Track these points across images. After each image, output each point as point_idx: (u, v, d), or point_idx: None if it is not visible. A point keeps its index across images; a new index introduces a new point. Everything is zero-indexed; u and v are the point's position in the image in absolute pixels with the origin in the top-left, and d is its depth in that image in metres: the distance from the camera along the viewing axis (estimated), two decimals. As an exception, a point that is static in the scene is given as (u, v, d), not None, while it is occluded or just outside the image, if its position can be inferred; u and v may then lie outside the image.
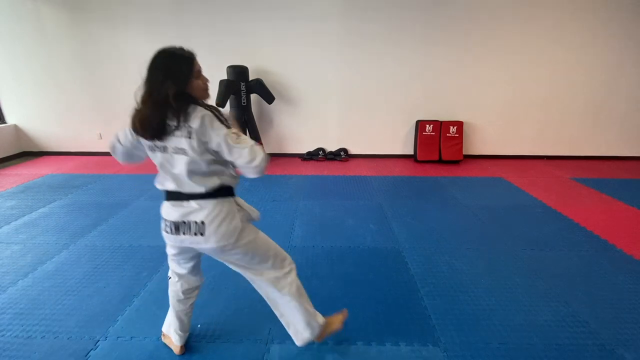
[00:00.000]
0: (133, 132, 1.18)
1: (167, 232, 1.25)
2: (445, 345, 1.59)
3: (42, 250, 2.41)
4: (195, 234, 1.19)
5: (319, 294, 1.96)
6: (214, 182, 1.19)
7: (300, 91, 4.79)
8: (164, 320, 1.73)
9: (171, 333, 1.52)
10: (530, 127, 4.86)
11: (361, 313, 1.80)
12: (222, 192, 1.23)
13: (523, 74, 4.60)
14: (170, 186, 1.20)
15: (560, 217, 3.00)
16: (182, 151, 1.12)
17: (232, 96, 4.36)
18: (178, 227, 1.21)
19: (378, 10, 4.36)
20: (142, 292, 1.96)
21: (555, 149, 4.98)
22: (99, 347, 1.58)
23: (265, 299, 1.46)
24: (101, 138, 5.11)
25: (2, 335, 1.65)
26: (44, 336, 1.64)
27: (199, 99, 1.17)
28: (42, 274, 2.14)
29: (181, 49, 1.18)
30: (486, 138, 4.95)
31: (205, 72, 1.26)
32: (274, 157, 5.03)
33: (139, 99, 1.14)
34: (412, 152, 5.01)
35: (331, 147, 5.03)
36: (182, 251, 1.33)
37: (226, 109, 4.58)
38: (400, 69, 4.61)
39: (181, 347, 1.52)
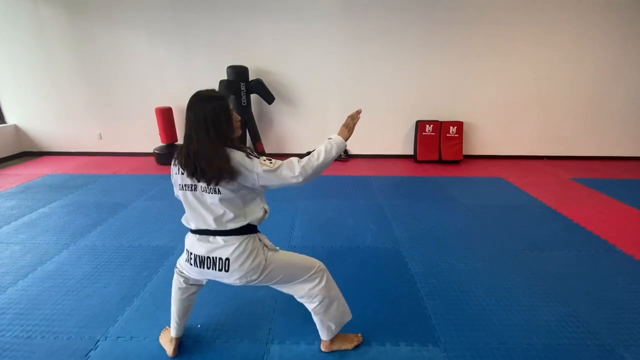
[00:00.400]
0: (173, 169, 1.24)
1: (190, 264, 1.30)
2: (445, 345, 1.59)
3: (42, 251, 2.41)
4: (220, 270, 1.24)
5: (319, 294, 1.96)
6: (241, 220, 1.23)
7: (300, 91, 4.79)
8: (164, 320, 1.73)
9: (171, 323, 1.53)
10: (530, 127, 4.86)
11: (361, 313, 1.80)
12: (247, 229, 1.25)
13: (523, 74, 4.60)
14: (199, 224, 1.24)
15: (560, 217, 3.00)
16: (213, 190, 1.16)
17: (232, 96, 4.36)
18: (203, 262, 1.26)
19: (378, 11, 4.36)
20: (142, 292, 1.96)
21: (555, 149, 4.98)
22: (99, 347, 1.58)
23: None
24: (101, 138, 5.11)
25: (2, 335, 1.65)
26: (44, 336, 1.64)
27: (233, 140, 1.21)
28: (42, 274, 2.14)
29: (218, 96, 1.18)
30: (486, 138, 4.95)
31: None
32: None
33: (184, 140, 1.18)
34: (412, 152, 5.01)
35: (331, 147, 5.03)
36: (202, 277, 1.36)
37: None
38: (400, 69, 4.61)
39: (175, 340, 1.52)
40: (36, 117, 5.01)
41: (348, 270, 2.19)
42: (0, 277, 2.10)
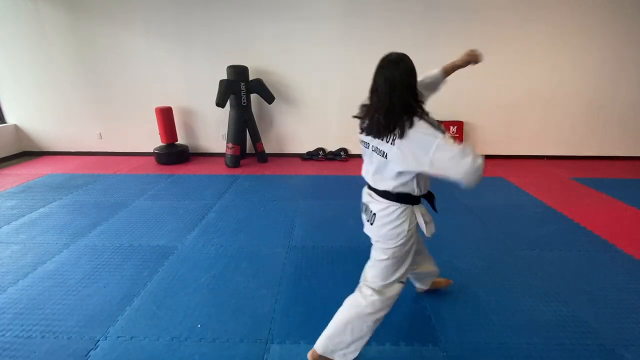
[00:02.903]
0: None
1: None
2: (445, 345, 1.59)
3: (42, 250, 2.41)
4: (368, 220, 1.35)
5: (319, 294, 1.97)
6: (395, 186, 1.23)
7: (300, 91, 4.79)
8: (164, 320, 1.74)
9: None
10: (531, 127, 4.86)
11: (361, 313, 1.80)
12: (403, 197, 1.25)
13: (523, 74, 4.60)
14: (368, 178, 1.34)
15: (561, 217, 3.00)
16: (381, 153, 1.20)
17: (232, 96, 4.36)
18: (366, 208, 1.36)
19: (378, 10, 4.36)
20: (142, 292, 1.96)
21: (556, 149, 4.97)
22: (99, 347, 1.58)
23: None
24: (101, 138, 5.11)
25: (2, 335, 1.65)
26: (44, 336, 1.64)
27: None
28: (42, 273, 2.14)
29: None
30: (486, 138, 4.95)
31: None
32: (274, 157, 5.03)
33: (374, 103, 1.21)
34: (412, 152, 5.01)
35: (331, 147, 5.03)
36: None
37: (226, 109, 4.58)
38: (400, 69, 4.60)
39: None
40: (36, 117, 5.01)
41: (348, 270, 2.18)
42: (0, 277, 2.11)
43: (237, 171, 4.36)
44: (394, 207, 1.25)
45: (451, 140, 1.05)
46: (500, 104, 4.75)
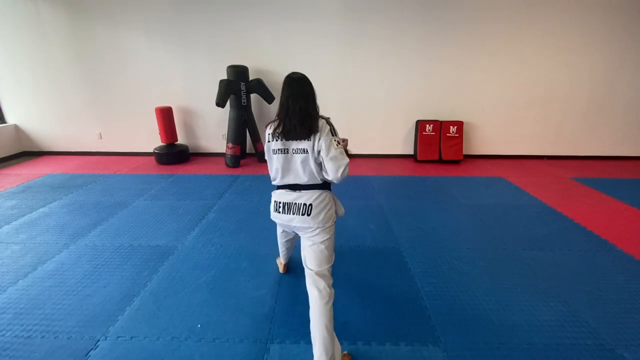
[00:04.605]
0: (270, 137, 1.48)
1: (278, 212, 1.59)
2: (445, 345, 1.59)
3: (42, 250, 2.41)
4: (302, 214, 1.49)
5: (319, 293, 1.96)
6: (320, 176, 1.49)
7: (300, 91, 4.77)
8: (164, 320, 1.74)
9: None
10: (531, 127, 4.86)
11: (361, 313, 1.80)
12: (325, 184, 1.53)
13: (523, 73, 4.60)
14: (290, 180, 1.51)
15: (561, 217, 3.00)
16: (302, 151, 1.44)
17: (232, 96, 4.36)
18: (290, 208, 1.52)
19: (378, 10, 4.36)
20: (142, 292, 1.96)
21: (556, 149, 4.97)
22: (99, 347, 1.58)
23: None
24: (101, 138, 5.11)
25: (2, 335, 1.65)
26: (44, 336, 1.64)
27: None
28: (42, 273, 2.14)
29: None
30: (486, 138, 4.95)
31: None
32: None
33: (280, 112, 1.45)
34: (412, 152, 5.01)
35: (331, 147, 5.02)
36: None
37: (226, 109, 4.58)
38: (400, 68, 4.61)
39: (284, 265, 2.11)
40: (36, 117, 5.01)
41: (348, 270, 2.19)
42: (0, 277, 2.11)
43: (237, 171, 4.36)
44: (325, 193, 1.53)
45: (335, 143, 1.41)
46: (500, 104, 4.75)
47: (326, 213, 1.51)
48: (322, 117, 1.46)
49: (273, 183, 1.61)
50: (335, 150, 1.38)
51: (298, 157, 1.44)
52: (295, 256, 2.34)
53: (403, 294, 1.96)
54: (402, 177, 4.17)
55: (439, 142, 4.76)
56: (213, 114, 4.81)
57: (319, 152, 1.41)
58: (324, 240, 1.52)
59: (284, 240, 1.96)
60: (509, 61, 4.54)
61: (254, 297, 1.93)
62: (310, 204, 1.48)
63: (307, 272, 1.53)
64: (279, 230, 1.93)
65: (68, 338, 1.63)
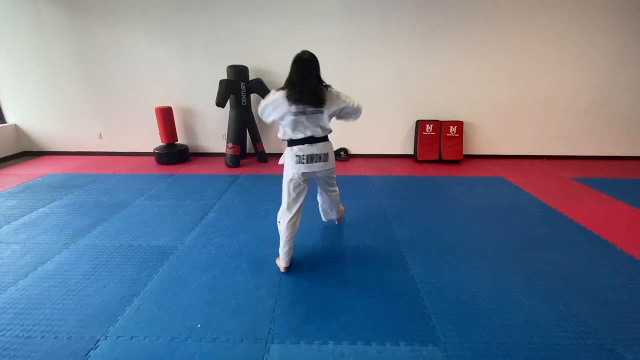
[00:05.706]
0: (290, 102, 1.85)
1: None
2: (445, 345, 1.59)
3: (42, 250, 2.42)
4: (323, 161, 2.04)
5: (319, 293, 1.97)
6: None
7: (300, 91, 4.78)
8: (164, 320, 1.74)
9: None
10: (531, 127, 4.86)
11: (361, 313, 1.80)
12: (328, 136, 2.07)
13: (523, 73, 4.60)
14: (308, 133, 1.95)
15: (561, 216, 3.00)
16: (319, 112, 1.90)
17: (232, 96, 4.35)
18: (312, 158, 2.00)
19: (378, 10, 4.36)
20: (142, 292, 1.96)
21: (556, 149, 4.97)
22: (99, 347, 1.58)
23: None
24: (101, 138, 5.11)
25: (2, 335, 1.65)
26: (44, 336, 1.64)
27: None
28: (42, 273, 2.14)
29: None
30: (486, 138, 4.95)
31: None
32: (274, 157, 5.03)
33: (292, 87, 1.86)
34: (412, 152, 5.01)
35: (331, 147, 5.03)
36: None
37: (226, 109, 4.58)
38: (400, 68, 4.60)
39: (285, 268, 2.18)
40: (36, 117, 5.01)
41: (348, 270, 2.19)
42: (0, 277, 2.11)
43: (237, 171, 4.36)
44: (330, 143, 2.08)
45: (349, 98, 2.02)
46: (500, 104, 4.75)
47: (333, 156, 2.12)
48: (326, 86, 1.90)
49: (284, 138, 1.98)
50: (355, 102, 2.04)
51: (316, 117, 1.89)
52: (296, 256, 2.34)
53: (403, 294, 1.96)
54: (402, 177, 4.17)
55: (439, 142, 4.76)
56: (213, 114, 4.81)
57: (333, 112, 1.95)
58: (333, 171, 2.20)
59: (296, 193, 2.10)
60: (509, 61, 4.54)
61: (254, 297, 1.93)
62: (326, 153, 2.03)
63: (322, 194, 2.44)
64: (291, 186, 2.05)
65: (68, 338, 1.63)
